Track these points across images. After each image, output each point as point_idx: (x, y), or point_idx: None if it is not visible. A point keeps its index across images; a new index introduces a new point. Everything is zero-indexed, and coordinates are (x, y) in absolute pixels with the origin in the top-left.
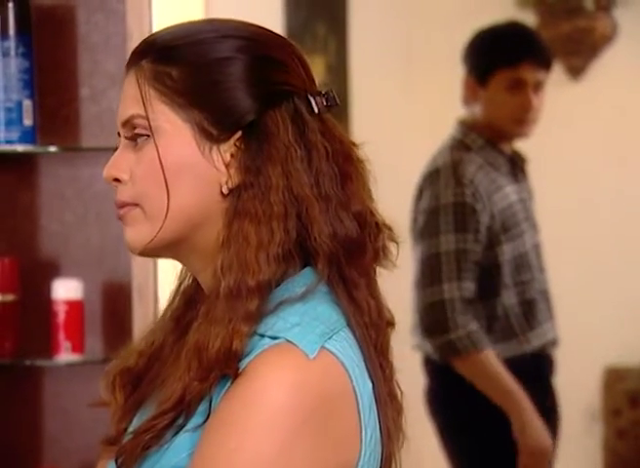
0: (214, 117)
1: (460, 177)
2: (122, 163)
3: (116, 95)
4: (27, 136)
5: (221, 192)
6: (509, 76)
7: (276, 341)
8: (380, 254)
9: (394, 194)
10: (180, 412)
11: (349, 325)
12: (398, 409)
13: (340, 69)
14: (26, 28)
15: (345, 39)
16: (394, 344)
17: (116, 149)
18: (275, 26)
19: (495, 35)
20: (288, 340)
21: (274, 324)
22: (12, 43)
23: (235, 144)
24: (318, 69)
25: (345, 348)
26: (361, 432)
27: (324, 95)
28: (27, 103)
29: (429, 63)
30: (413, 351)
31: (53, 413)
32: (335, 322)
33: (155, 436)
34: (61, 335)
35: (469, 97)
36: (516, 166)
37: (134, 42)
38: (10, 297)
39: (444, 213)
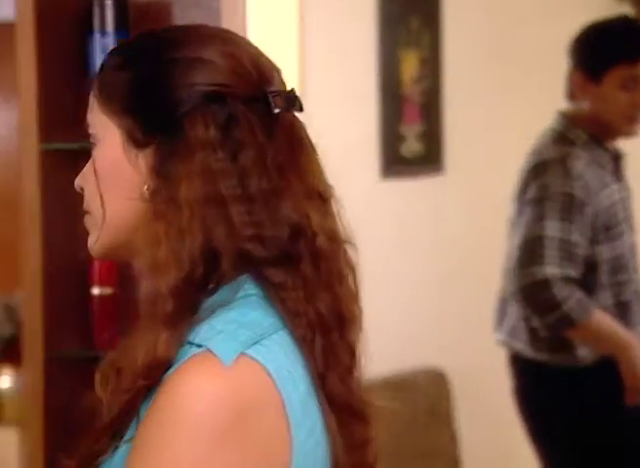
0: (141, 123)
1: (570, 170)
2: (84, 172)
3: None
4: None
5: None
6: (626, 73)
7: (200, 350)
8: (318, 258)
9: (488, 186)
10: (116, 426)
11: (286, 327)
12: (357, 413)
13: (433, 63)
14: (124, 25)
15: (439, 33)
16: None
17: None
18: (369, 21)
19: (610, 31)
20: (208, 349)
21: (203, 331)
22: (110, 39)
23: (154, 149)
24: (411, 63)
25: (274, 352)
26: (290, 435)
27: (276, 95)
28: None
29: (522, 58)
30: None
31: None
32: (268, 326)
33: (100, 449)
34: None
35: (577, 93)
36: (618, 164)
37: None
38: (108, 290)
39: (551, 200)
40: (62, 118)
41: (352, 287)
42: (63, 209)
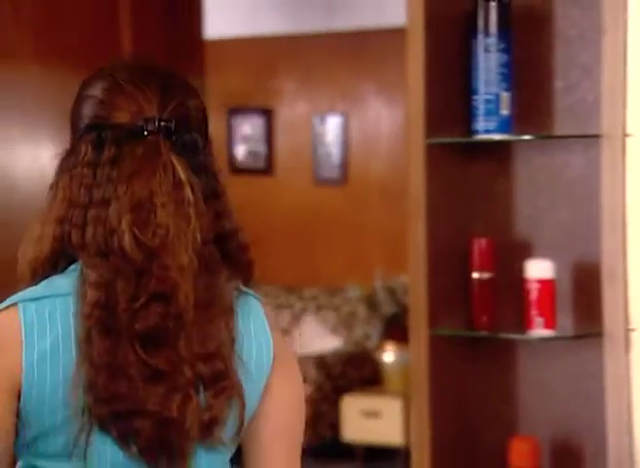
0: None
1: None
2: None
3: (590, 86)
4: (504, 126)
5: None
6: None
7: None
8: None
9: None
10: None
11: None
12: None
13: None
14: (506, 26)
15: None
16: None
17: (587, 137)
18: None
19: None
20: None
21: None
22: (493, 40)
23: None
24: None
25: (43, 307)
26: (23, 369)
27: (147, 121)
28: (505, 95)
29: None
30: None
31: (526, 385)
32: (58, 290)
33: None
34: (534, 312)
35: None
36: None
37: (608, 36)
38: (486, 275)
39: None
40: (447, 114)
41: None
42: (447, 199)
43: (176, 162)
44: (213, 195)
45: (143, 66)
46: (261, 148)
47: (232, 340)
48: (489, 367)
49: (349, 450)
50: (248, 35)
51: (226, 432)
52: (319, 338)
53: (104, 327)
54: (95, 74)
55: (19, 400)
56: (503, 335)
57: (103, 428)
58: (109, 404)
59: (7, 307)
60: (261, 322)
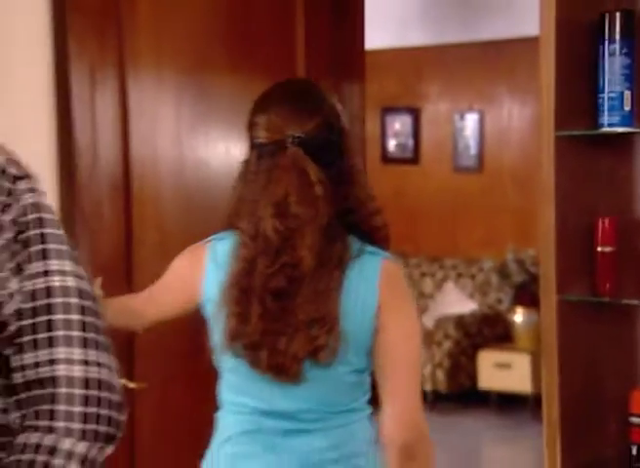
0: None
1: None
2: None
3: None
4: (626, 120)
5: None
6: None
7: None
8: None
9: None
10: None
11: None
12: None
13: None
14: (630, 32)
15: None
16: None
17: None
18: None
19: None
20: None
21: None
22: (617, 45)
23: None
24: None
25: (220, 246)
26: (204, 278)
27: (290, 138)
28: (627, 93)
29: None
30: None
31: None
32: (230, 237)
33: None
34: None
35: None
36: None
37: None
38: (609, 249)
39: None
40: (574, 110)
41: None
42: (573, 183)
43: (309, 167)
44: (343, 182)
45: (291, 95)
46: (409, 141)
47: (339, 292)
48: (611, 328)
49: (484, 397)
50: (399, 46)
51: (328, 357)
52: (458, 302)
53: (242, 288)
54: (259, 101)
55: (191, 306)
56: (625, 301)
57: (237, 356)
58: (238, 340)
59: (205, 242)
60: (372, 274)
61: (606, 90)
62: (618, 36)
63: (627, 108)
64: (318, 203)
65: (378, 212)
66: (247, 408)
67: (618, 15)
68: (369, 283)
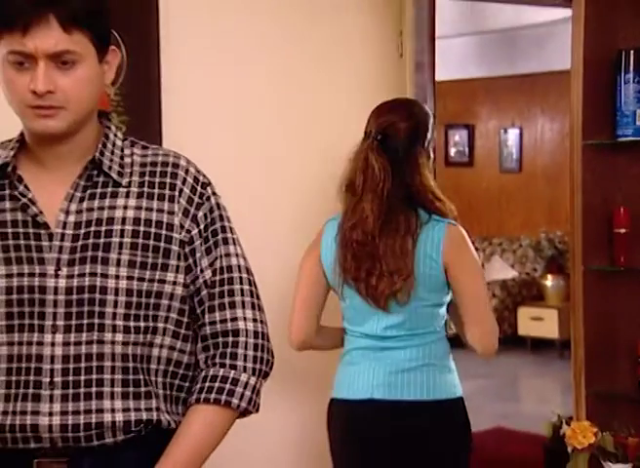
0: None
1: None
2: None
3: None
4: (637, 132)
5: None
6: None
7: None
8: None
9: None
10: None
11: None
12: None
13: None
14: None
15: None
16: None
17: None
18: None
19: None
20: None
21: None
22: (630, 75)
23: None
24: None
25: (332, 223)
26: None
27: (370, 134)
28: (638, 111)
29: None
30: None
31: None
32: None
33: None
34: None
35: None
36: None
37: None
38: (623, 230)
39: None
40: (598, 124)
41: None
42: (597, 180)
43: (376, 158)
44: (404, 173)
45: (396, 105)
46: (466, 150)
47: (413, 251)
48: (624, 291)
49: (522, 342)
50: (459, 78)
51: (403, 298)
52: (503, 271)
53: (341, 243)
54: (375, 108)
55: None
56: (636, 269)
57: (347, 286)
58: (345, 274)
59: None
60: (438, 235)
61: (622, 109)
62: (631, 68)
63: (638, 123)
64: (382, 185)
65: (438, 198)
66: (356, 333)
67: (632, 52)
68: (435, 242)
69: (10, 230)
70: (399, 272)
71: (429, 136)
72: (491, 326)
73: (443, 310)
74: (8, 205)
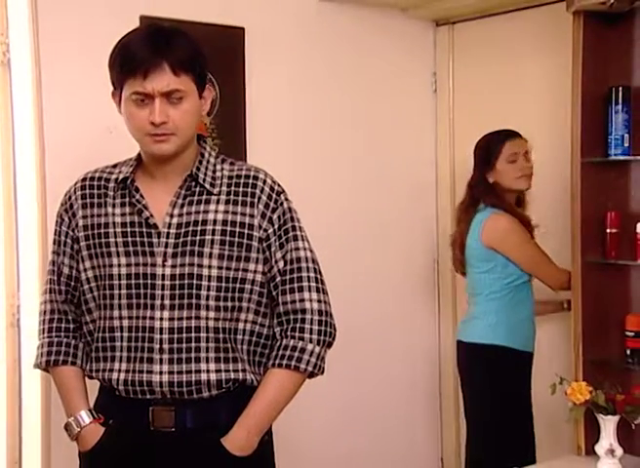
0: None
1: None
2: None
3: None
4: (625, 151)
5: None
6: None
7: None
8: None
9: None
10: None
11: None
12: None
13: None
14: (628, 99)
15: None
16: None
17: None
18: None
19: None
20: None
21: None
22: (620, 106)
23: None
24: None
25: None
26: None
27: None
28: (626, 136)
29: None
30: None
31: (637, 270)
32: None
33: None
34: None
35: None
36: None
37: None
38: (615, 230)
39: None
40: (593, 145)
41: None
42: (592, 190)
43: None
44: (477, 185)
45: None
46: None
47: (464, 235)
48: (614, 279)
49: None
50: None
51: (460, 267)
52: None
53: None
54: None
55: None
56: (623, 262)
57: None
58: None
59: None
60: (480, 220)
61: (613, 134)
62: (620, 101)
63: (626, 145)
64: (468, 187)
65: (487, 191)
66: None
67: (620, 88)
68: (477, 226)
69: (129, 229)
70: (460, 247)
71: None
72: (554, 280)
73: (496, 276)
74: (127, 209)
